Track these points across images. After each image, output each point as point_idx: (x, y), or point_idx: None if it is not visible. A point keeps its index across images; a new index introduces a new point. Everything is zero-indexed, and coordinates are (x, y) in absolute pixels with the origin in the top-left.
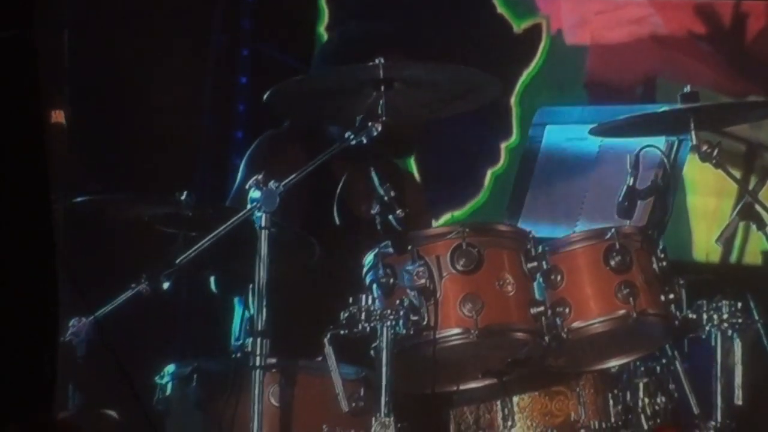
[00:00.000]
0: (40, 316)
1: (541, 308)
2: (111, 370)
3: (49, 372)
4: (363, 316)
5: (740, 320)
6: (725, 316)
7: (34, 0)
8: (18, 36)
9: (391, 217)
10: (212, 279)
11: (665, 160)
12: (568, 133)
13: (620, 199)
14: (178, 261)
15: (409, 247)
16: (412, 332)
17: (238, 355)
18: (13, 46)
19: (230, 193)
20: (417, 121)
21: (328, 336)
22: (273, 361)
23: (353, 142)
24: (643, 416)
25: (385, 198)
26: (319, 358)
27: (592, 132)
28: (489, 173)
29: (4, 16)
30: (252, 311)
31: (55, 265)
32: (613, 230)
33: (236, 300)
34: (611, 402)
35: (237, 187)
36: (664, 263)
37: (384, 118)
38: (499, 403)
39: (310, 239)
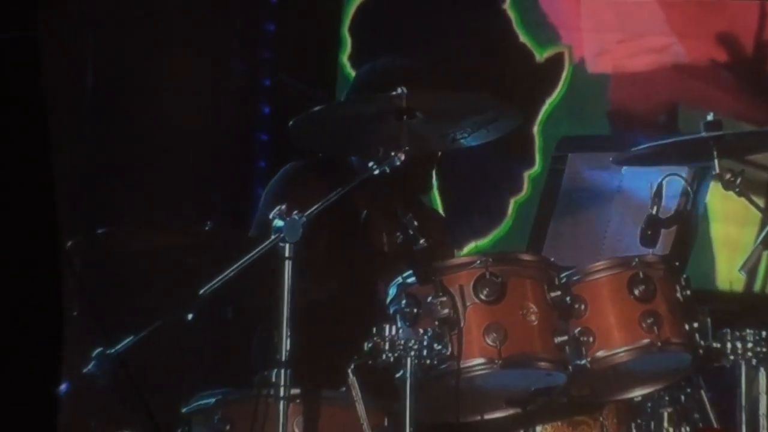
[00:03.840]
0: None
1: (565, 337)
2: (133, 401)
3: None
4: (387, 346)
5: (765, 349)
6: (750, 345)
7: (37, 3)
8: (21, 37)
9: (414, 247)
10: (240, 314)
11: (688, 189)
12: (591, 162)
13: (643, 227)
14: (201, 292)
15: (433, 278)
16: (435, 362)
17: (262, 386)
18: (15, 47)
19: (253, 223)
20: (435, 156)
21: (352, 366)
22: (297, 391)
23: (376, 172)
24: None
25: (408, 228)
26: (343, 389)
27: (614, 160)
28: (512, 202)
29: (7, 17)
30: (274, 341)
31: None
32: (636, 259)
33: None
34: None
35: (259, 217)
36: (688, 292)
37: (407, 148)
38: None
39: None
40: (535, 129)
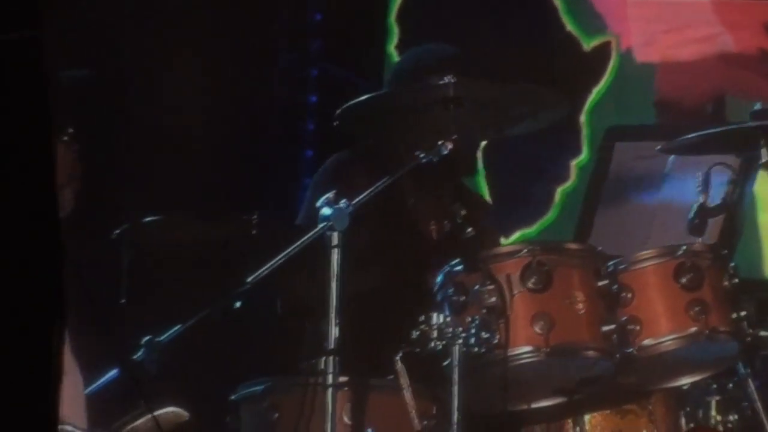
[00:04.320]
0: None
1: (612, 326)
2: (181, 389)
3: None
4: (434, 334)
5: None
6: None
7: (41, 2)
8: (24, 38)
9: (461, 235)
10: (286, 303)
11: (735, 178)
12: (638, 151)
13: (691, 216)
14: (248, 280)
15: (480, 266)
16: (483, 350)
17: (310, 374)
18: (18, 48)
19: (300, 212)
20: (476, 140)
21: (400, 354)
22: (345, 379)
23: (424, 161)
24: None
25: (456, 217)
26: (391, 377)
27: (661, 149)
28: (559, 191)
29: (10, 17)
30: (322, 329)
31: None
32: (684, 248)
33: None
34: (683, 420)
35: (306, 207)
36: (735, 280)
37: (455, 137)
38: (570, 421)
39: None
40: (582, 118)
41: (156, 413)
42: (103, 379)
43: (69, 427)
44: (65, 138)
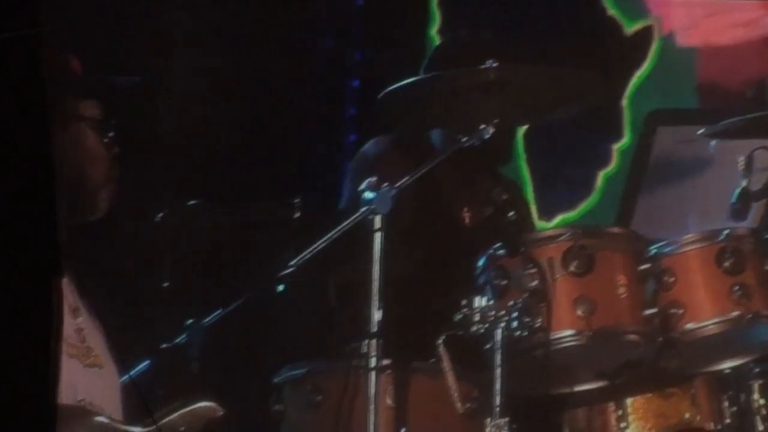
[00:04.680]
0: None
1: (654, 310)
2: (224, 372)
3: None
4: (477, 318)
5: None
6: None
7: (39, 1)
8: (22, 38)
9: (503, 219)
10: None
11: None
12: (680, 135)
13: (733, 200)
14: (291, 264)
15: (522, 249)
16: (525, 334)
17: (353, 356)
18: (16, 47)
19: (342, 196)
20: (514, 127)
21: (443, 338)
22: (387, 362)
23: (465, 145)
24: (758, 417)
25: (497, 201)
26: (433, 360)
27: (703, 134)
28: (600, 175)
29: (8, 17)
30: (365, 313)
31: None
32: (726, 232)
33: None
34: (726, 403)
35: (347, 191)
36: None
37: (496, 121)
38: (612, 404)
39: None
40: (624, 102)
41: (190, 408)
42: (137, 369)
43: (104, 419)
44: (106, 140)
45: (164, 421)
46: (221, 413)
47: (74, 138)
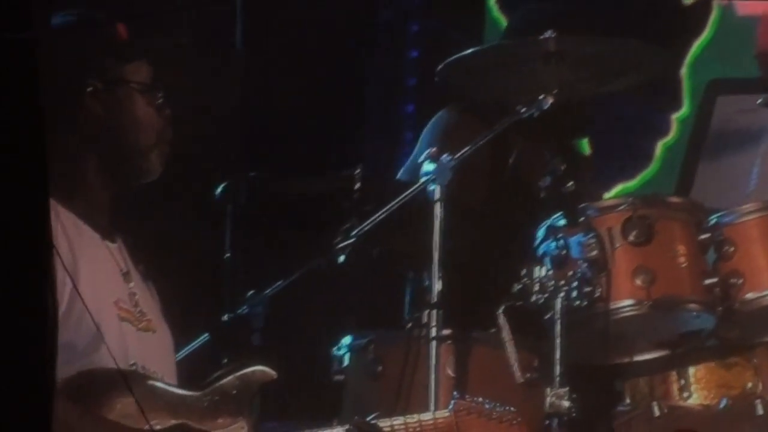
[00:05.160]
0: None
1: (714, 279)
2: (285, 342)
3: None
4: (536, 288)
5: None
6: None
7: (32, 2)
8: (15, 39)
9: (562, 189)
10: (389, 257)
11: None
12: (740, 104)
13: None
14: (352, 234)
15: (581, 219)
16: (584, 304)
17: (414, 326)
18: (9, 49)
19: (402, 166)
20: (589, 100)
21: (503, 308)
22: (448, 332)
23: (525, 116)
24: None
25: (557, 171)
26: (493, 330)
27: (763, 103)
28: (659, 145)
29: (4, 19)
30: (426, 283)
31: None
32: None
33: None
34: None
35: (409, 162)
36: None
37: (555, 92)
38: (674, 373)
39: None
40: (683, 71)
41: (242, 372)
42: (196, 342)
43: (157, 383)
44: (155, 103)
45: (217, 385)
46: (274, 376)
47: (121, 102)
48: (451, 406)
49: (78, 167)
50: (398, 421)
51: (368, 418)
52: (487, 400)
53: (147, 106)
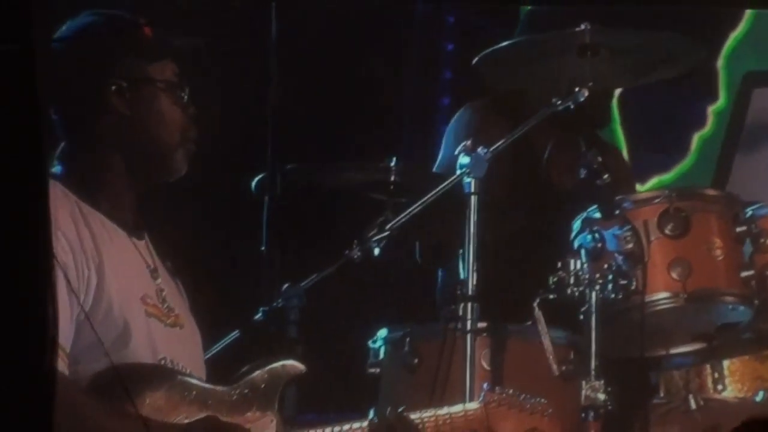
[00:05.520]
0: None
1: (751, 272)
2: (321, 335)
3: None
4: (571, 281)
5: None
6: None
7: (31, 14)
8: (12, 51)
9: (597, 182)
10: (424, 250)
11: None
12: None
13: None
14: (387, 227)
15: (617, 212)
16: (620, 296)
17: (450, 319)
18: (7, 60)
19: (437, 159)
20: (610, 90)
21: (538, 300)
22: (483, 325)
23: (560, 108)
24: None
25: (592, 163)
26: (528, 323)
27: None
28: (696, 137)
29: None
30: (461, 276)
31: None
32: None
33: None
34: None
35: (443, 154)
36: None
37: (591, 84)
38: (709, 366)
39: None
40: (719, 63)
41: (272, 365)
42: (227, 338)
43: (186, 377)
44: (180, 102)
45: (246, 379)
46: (303, 370)
47: (146, 101)
48: (481, 398)
49: (103, 166)
50: (428, 413)
51: (399, 410)
52: (518, 392)
53: (172, 104)
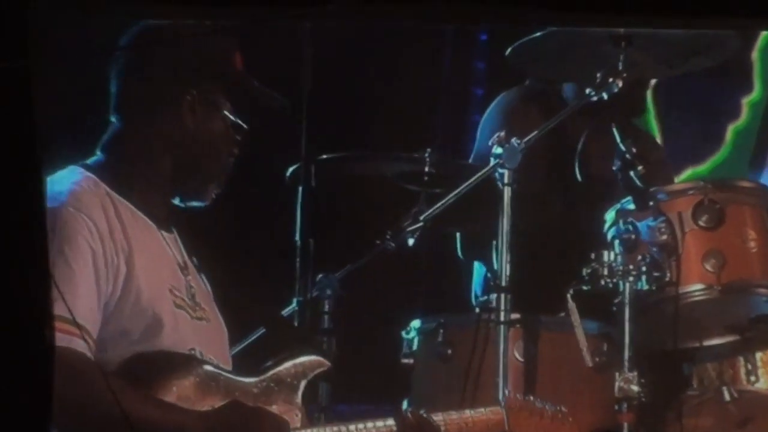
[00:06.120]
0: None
1: None
2: (354, 325)
3: None
4: (605, 272)
5: None
6: None
7: (28, 31)
8: (10, 68)
9: (632, 173)
10: (458, 241)
11: None
12: None
13: None
14: (422, 218)
15: (651, 203)
16: (654, 288)
17: (483, 310)
18: (4, 78)
19: (472, 150)
20: (646, 80)
21: (571, 292)
22: (517, 316)
23: (594, 99)
24: None
25: (627, 154)
26: (562, 314)
27: None
28: (730, 129)
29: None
30: (495, 267)
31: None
32: None
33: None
34: None
35: (477, 146)
36: None
37: (625, 74)
38: (742, 358)
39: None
40: (755, 55)
41: (298, 360)
42: (253, 336)
43: (214, 368)
44: (231, 131)
45: (272, 372)
46: (329, 366)
47: (202, 124)
48: (502, 403)
49: (151, 163)
50: (451, 415)
51: (421, 411)
52: (538, 399)
53: (223, 134)
